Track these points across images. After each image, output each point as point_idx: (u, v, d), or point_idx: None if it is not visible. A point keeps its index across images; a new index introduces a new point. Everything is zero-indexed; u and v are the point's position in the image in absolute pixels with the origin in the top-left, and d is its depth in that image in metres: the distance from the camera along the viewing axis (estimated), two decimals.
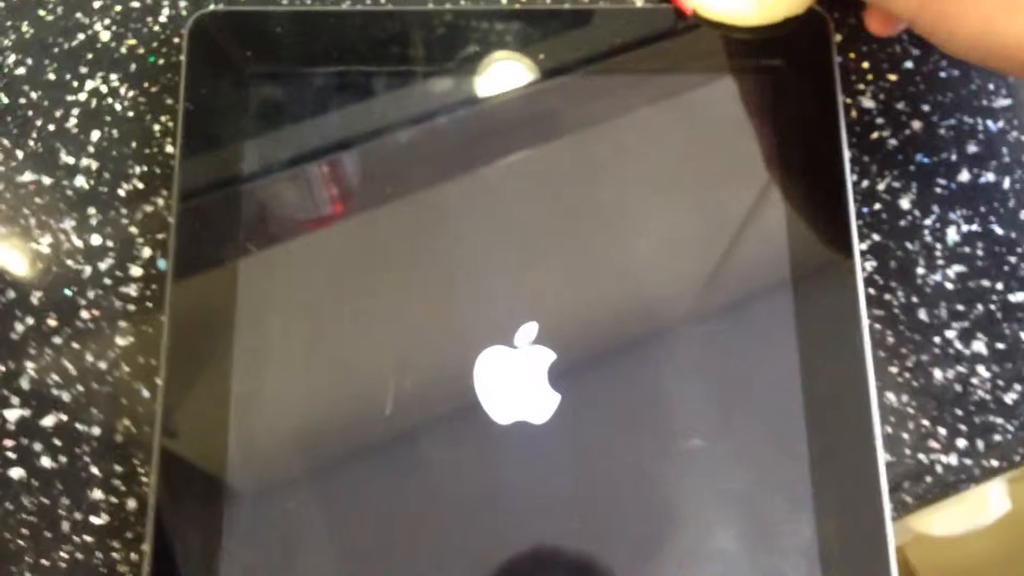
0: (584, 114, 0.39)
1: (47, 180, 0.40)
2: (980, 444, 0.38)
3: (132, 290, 0.39)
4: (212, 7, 0.40)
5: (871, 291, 0.39)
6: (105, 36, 0.42)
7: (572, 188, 0.39)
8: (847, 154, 0.38)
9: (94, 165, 0.40)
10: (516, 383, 0.36)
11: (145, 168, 0.40)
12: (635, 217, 0.38)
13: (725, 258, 0.38)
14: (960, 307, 0.39)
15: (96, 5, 0.42)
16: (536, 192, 0.38)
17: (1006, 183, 0.41)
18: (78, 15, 0.42)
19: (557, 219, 0.38)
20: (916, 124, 0.41)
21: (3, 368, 0.38)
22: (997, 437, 0.38)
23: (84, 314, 0.38)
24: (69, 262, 0.39)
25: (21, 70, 0.41)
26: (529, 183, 0.39)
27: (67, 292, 0.38)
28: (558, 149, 0.39)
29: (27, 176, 0.40)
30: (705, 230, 0.38)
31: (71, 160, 0.40)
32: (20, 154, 0.40)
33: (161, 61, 0.41)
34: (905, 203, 0.40)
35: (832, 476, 0.35)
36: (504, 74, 0.39)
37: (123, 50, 0.41)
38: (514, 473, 0.36)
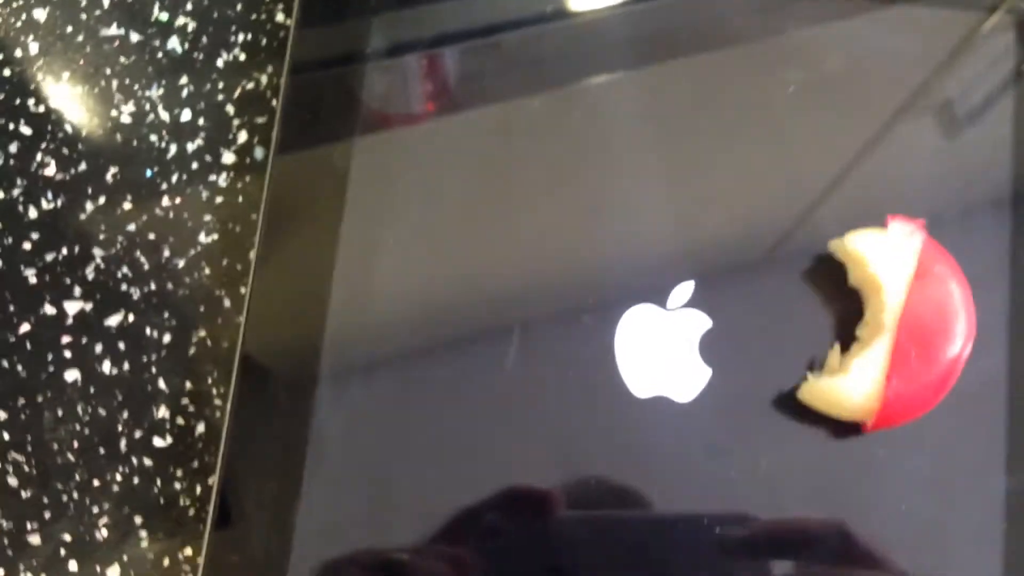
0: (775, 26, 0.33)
1: (135, 37, 0.34)
2: None
3: (222, 179, 0.33)
4: None
5: None
6: None
7: (752, 121, 0.32)
8: None
9: (191, 25, 0.34)
10: (662, 350, 0.30)
11: (249, 36, 0.34)
12: (829, 167, 0.32)
13: None
14: None
15: None
16: (706, 125, 0.32)
17: None
18: None
19: (732, 160, 0.32)
20: None
21: (66, 251, 0.32)
22: None
23: (164, 200, 0.33)
24: (152, 137, 0.33)
25: None
26: (698, 112, 0.32)
27: (147, 173, 0.33)
28: (744, 75, 0.32)
29: (112, 30, 0.34)
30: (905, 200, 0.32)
31: (164, 16, 0.34)
32: (106, 2, 0.34)
33: None
34: None
35: None
36: None
37: None
38: (645, 457, 0.30)
